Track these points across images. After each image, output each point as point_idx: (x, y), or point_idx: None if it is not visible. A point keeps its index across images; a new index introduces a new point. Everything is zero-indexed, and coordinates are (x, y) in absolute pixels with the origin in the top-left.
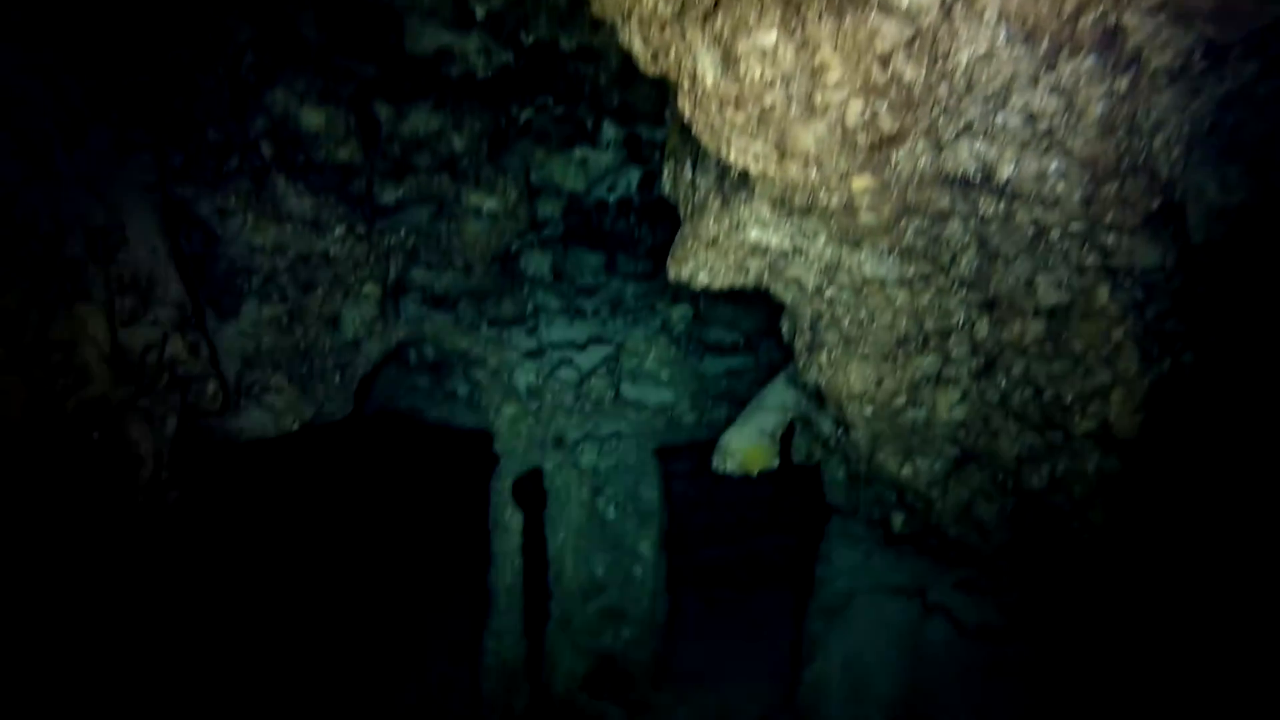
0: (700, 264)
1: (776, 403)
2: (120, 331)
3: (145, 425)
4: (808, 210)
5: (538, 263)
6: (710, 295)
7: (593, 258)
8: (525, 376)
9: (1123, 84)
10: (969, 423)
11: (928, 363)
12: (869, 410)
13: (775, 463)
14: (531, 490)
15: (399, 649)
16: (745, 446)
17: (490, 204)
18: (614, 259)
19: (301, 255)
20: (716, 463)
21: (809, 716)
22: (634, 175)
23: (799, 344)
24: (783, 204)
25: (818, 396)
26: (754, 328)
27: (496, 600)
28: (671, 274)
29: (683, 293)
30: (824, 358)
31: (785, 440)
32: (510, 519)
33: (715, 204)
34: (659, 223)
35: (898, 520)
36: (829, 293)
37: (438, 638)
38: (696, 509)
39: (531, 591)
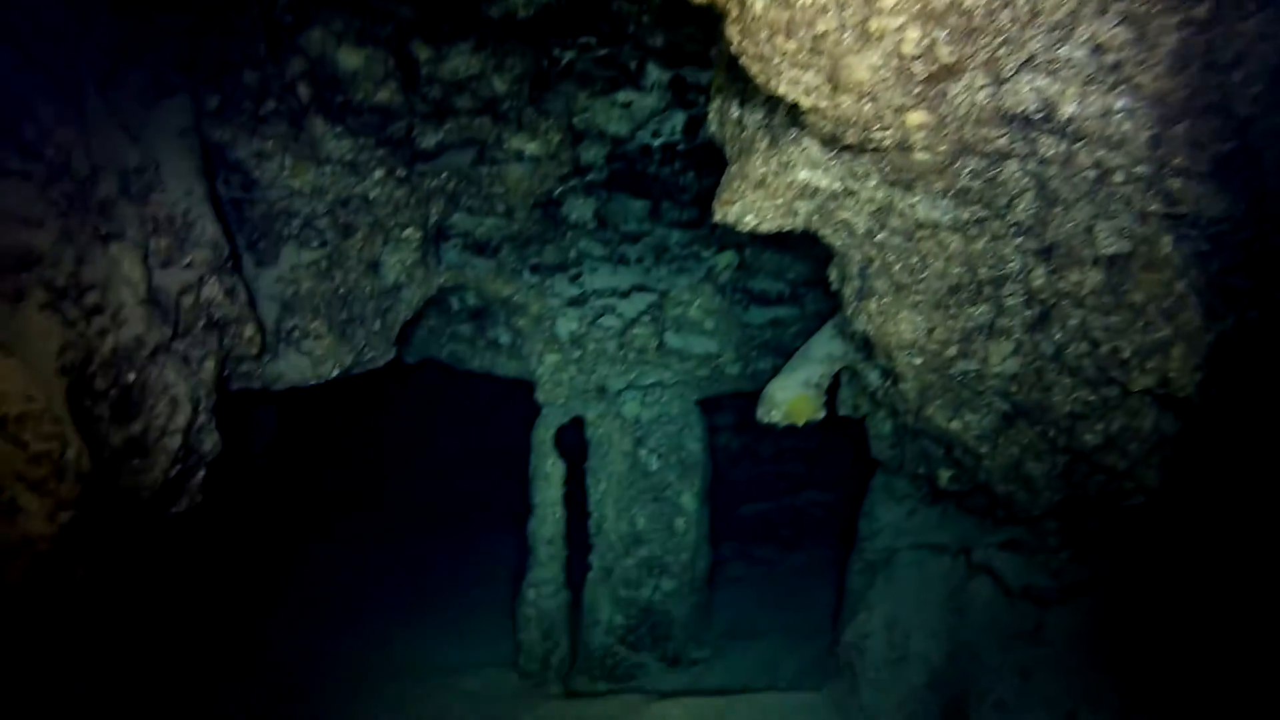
0: (747, 206)
1: (823, 353)
2: (156, 273)
3: (182, 368)
4: (860, 149)
5: (581, 209)
6: (757, 241)
7: (637, 204)
8: (568, 324)
9: (1201, 11)
10: (1021, 376)
11: (980, 312)
12: (918, 361)
13: (821, 414)
14: (573, 440)
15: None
16: (790, 397)
17: (532, 148)
18: (658, 206)
19: (340, 198)
20: (761, 414)
21: (848, 674)
22: (679, 119)
23: (847, 291)
24: (834, 142)
25: (866, 346)
26: (800, 277)
27: (536, 551)
28: (717, 216)
29: (728, 239)
30: (873, 305)
31: (831, 392)
32: (552, 469)
33: (763, 143)
34: (704, 169)
35: (944, 476)
36: (880, 237)
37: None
38: (738, 463)
39: (572, 543)
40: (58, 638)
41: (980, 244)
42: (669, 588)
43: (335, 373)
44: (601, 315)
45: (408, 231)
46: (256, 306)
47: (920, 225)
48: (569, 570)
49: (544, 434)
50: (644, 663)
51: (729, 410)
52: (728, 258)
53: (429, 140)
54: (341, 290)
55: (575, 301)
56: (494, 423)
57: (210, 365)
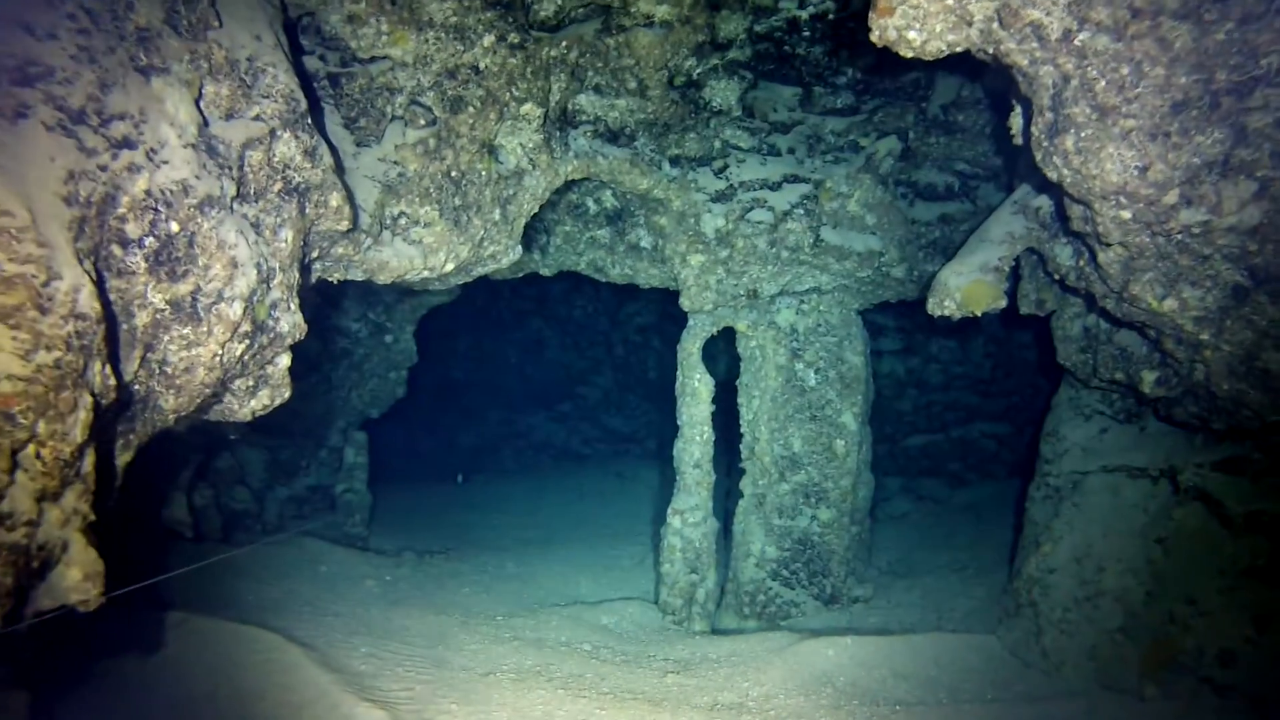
0: (910, 15)
1: (1002, 233)
2: (213, 121)
3: (249, 232)
4: None
5: (723, 93)
6: (922, 120)
7: (786, 91)
8: (713, 220)
9: None
10: (1265, 230)
11: (1213, 140)
12: (1127, 214)
13: (1002, 302)
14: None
15: None
16: (966, 283)
17: (662, 11)
18: (810, 92)
19: (447, 69)
20: (932, 305)
21: (1028, 614)
22: None
23: (1036, 130)
24: None
25: (1055, 219)
26: (971, 168)
27: (682, 475)
28: (874, 33)
29: (889, 123)
30: (1070, 142)
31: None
32: (699, 385)
33: None
34: (859, 48)
35: (1148, 379)
36: (1080, 39)
37: None
38: (903, 392)
39: (721, 466)
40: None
41: (1220, 32)
42: (827, 517)
43: (450, 266)
44: (750, 210)
45: (526, 108)
46: (344, 176)
47: (1136, 12)
48: (715, 498)
49: (691, 346)
50: (799, 600)
51: (893, 334)
52: (889, 144)
53: (546, 7)
54: (454, 173)
55: (721, 196)
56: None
57: (288, 235)
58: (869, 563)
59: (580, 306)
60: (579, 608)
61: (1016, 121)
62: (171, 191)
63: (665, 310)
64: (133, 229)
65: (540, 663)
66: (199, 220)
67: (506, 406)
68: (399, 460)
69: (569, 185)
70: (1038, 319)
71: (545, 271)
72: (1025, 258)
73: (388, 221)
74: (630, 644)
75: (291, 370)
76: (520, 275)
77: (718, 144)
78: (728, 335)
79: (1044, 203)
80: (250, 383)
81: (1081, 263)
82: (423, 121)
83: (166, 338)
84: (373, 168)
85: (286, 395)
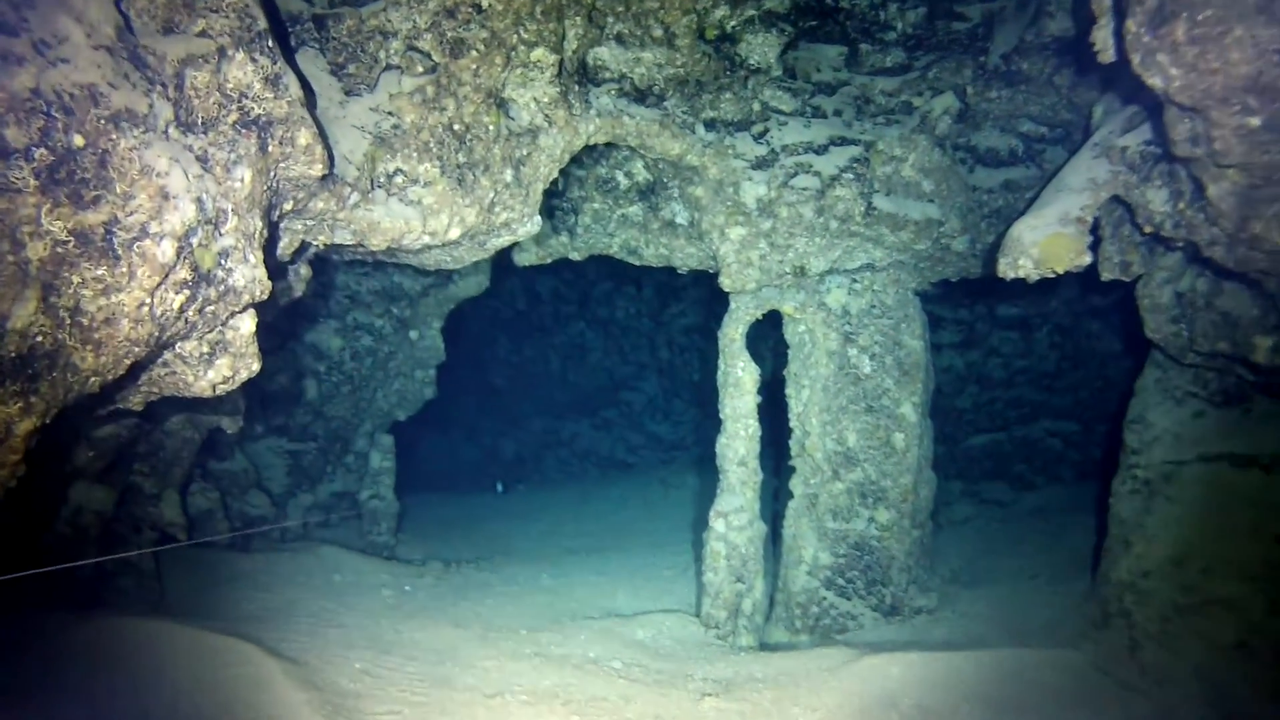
0: None
1: (1082, 180)
2: (144, 31)
3: (189, 163)
4: None
5: (761, 49)
6: (982, 74)
7: (830, 50)
8: (754, 189)
9: None
10: None
11: None
12: (1257, 120)
13: (1085, 258)
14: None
15: None
16: (1044, 237)
17: None
18: (856, 50)
19: (445, 7)
20: (1005, 265)
21: (1119, 625)
22: None
23: (1134, 26)
24: None
25: (1157, 136)
26: (1036, 127)
27: (726, 474)
28: None
29: (945, 79)
30: (1182, 30)
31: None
32: (743, 374)
33: None
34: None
35: (1263, 346)
36: None
37: None
38: (963, 388)
39: (769, 464)
40: None
41: None
42: (886, 519)
43: (454, 231)
44: (794, 176)
45: (537, 53)
46: (317, 113)
47: None
48: (763, 498)
49: (733, 331)
50: (855, 611)
51: (951, 327)
52: (945, 101)
53: None
54: (456, 125)
55: (762, 162)
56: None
57: (245, 174)
58: (932, 570)
59: (623, 308)
60: (613, 620)
61: (1102, 33)
62: (73, 96)
63: (711, 310)
64: (14, 135)
65: (559, 683)
66: (113, 137)
67: (549, 414)
68: (438, 469)
69: (597, 159)
70: (1108, 298)
71: (575, 255)
72: (1107, 213)
73: (381, 179)
74: (666, 661)
75: (273, 341)
76: (549, 261)
77: (756, 106)
78: (774, 321)
79: (1132, 141)
80: (204, 348)
81: (1181, 205)
82: (420, 68)
83: (76, 279)
84: (363, 117)
85: (255, 367)
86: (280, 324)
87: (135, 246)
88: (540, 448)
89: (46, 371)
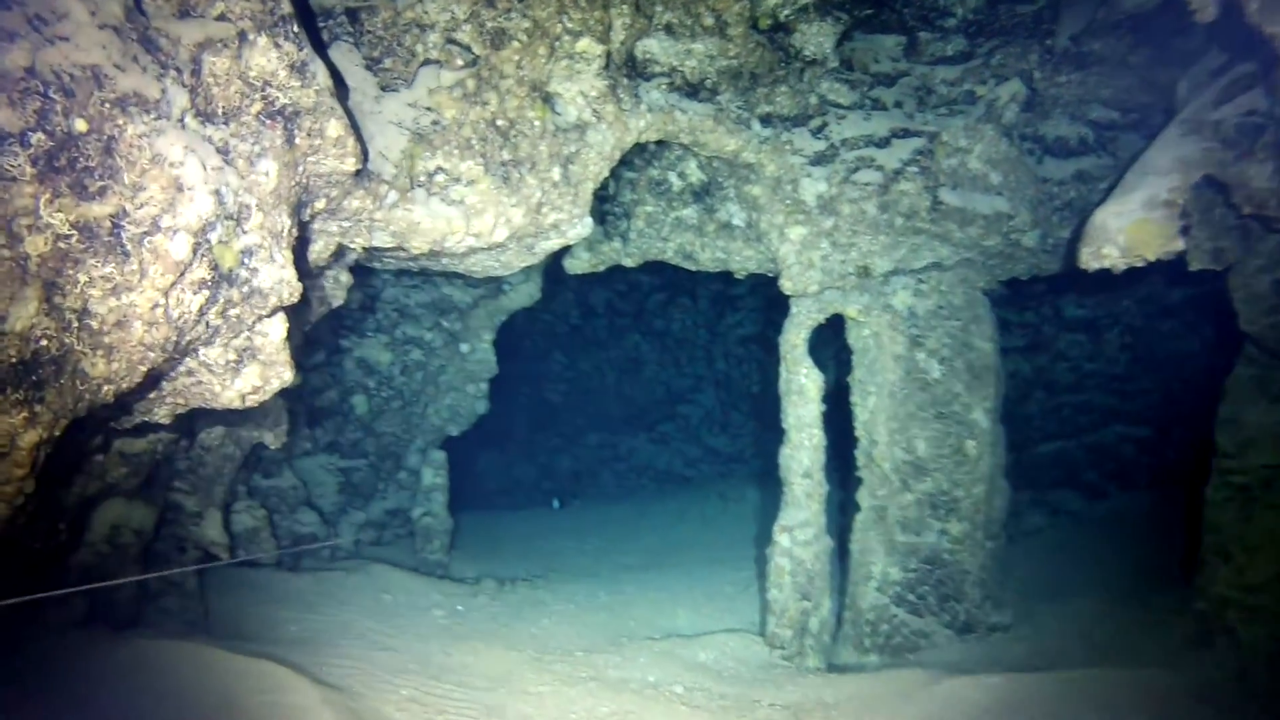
0: None
1: (1169, 160)
2: (156, 13)
3: (208, 155)
4: None
5: (817, 38)
6: (1050, 58)
7: (888, 40)
8: (814, 185)
9: None
10: None
11: None
12: None
13: (1179, 243)
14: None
15: None
16: (1130, 223)
17: None
18: (915, 39)
19: None
20: (1087, 255)
21: (1222, 644)
22: None
23: None
24: None
25: (1247, 132)
26: (1108, 113)
27: (790, 486)
28: None
29: (1009, 65)
30: None
31: None
32: (806, 381)
33: None
34: None
35: None
36: None
37: None
38: (1030, 394)
39: (834, 476)
40: None
41: None
42: (959, 531)
43: (501, 234)
44: (856, 170)
45: (582, 44)
46: (348, 104)
47: None
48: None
49: (795, 336)
50: (928, 629)
51: (1015, 330)
52: (1011, 88)
53: None
54: (499, 121)
55: (821, 157)
56: None
57: (271, 168)
58: (1006, 584)
59: (678, 319)
60: (673, 641)
61: None
62: (73, 77)
63: (769, 319)
64: (7, 117)
65: (617, 710)
66: (120, 122)
67: (605, 428)
68: (495, 486)
69: (648, 160)
70: (1182, 294)
71: (628, 261)
72: (1195, 197)
73: (421, 178)
74: (730, 685)
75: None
76: (601, 269)
77: (813, 99)
78: (835, 327)
79: (1229, 113)
80: (230, 355)
81: None
82: (460, 62)
83: (82, 277)
84: (400, 113)
85: (288, 377)
86: (325, 336)
87: (146, 242)
88: (596, 462)
89: (53, 379)
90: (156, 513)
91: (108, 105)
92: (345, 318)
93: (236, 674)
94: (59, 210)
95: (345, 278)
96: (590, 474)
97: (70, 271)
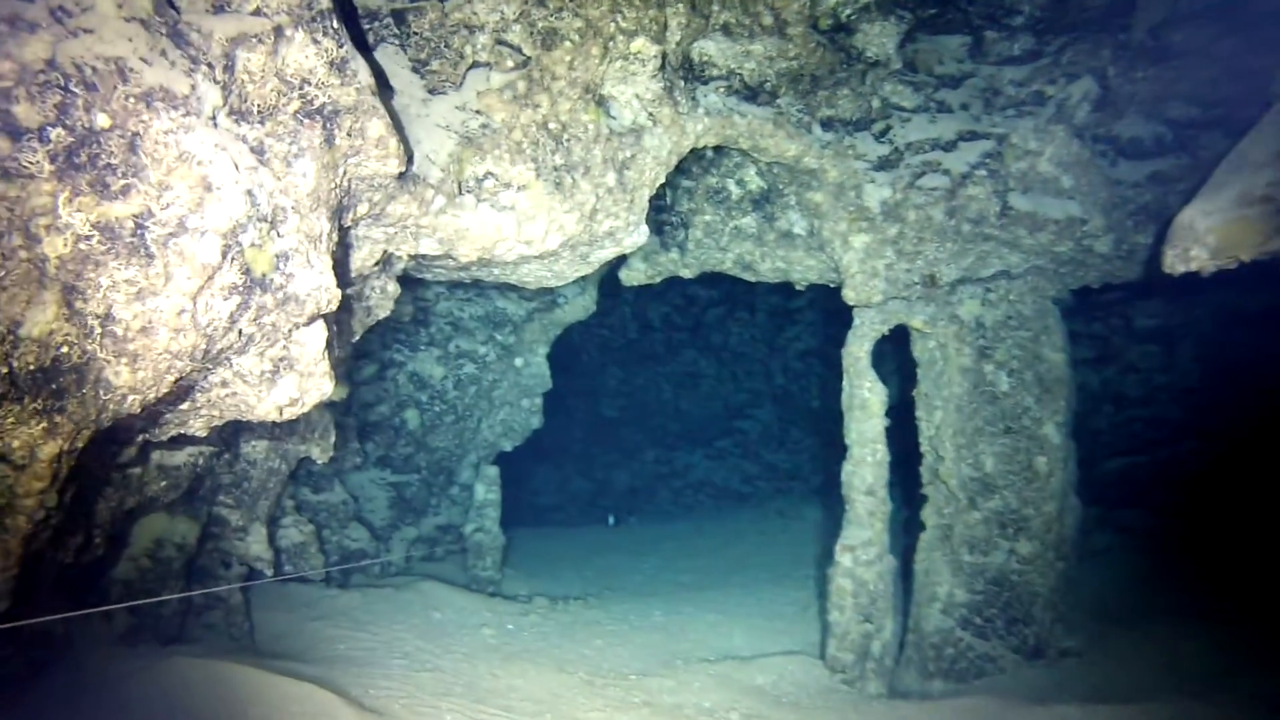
0: None
1: (1266, 152)
2: (189, 8)
3: (240, 155)
4: None
5: (879, 39)
6: (1123, 55)
7: (952, 41)
8: (878, 191)
9: None
10: None
11: None
12: None
13: (1275, 243)
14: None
15: None
16: (1221, 222)
17: None
18: (980, 39)
19: None
20: (1173, 257)
21: None
22: None
23: None
24: None
25: None
26: (1187, 110)
27: (852, 504)
28: None
29: (1080, 63)
30: None
31: None
32: (870, 395)
33: None
34: None
35: None
36: None
37: None
38: (1099, 408)
39: (898, 494)
40: None
41: None
42: (1028, 551)
43: (553, 241)
44: (922, 175)
45: (637, 44)
46: (389, 103)
47: None
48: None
49: (858, 349)
50: (995, 654)
51: (1083, 341)
52: (1083, 86)
53: None
54: (551, 124)
55: (885, 162)
56: None
57: (309, 169)
58: (1077, 607)
59: (736, 333)
60: (730, 664)
61: None
62: (95, 70)
63: (827, 333)
64: (25, 112)
65: None
66: (145, 118)
67: (662, 444)
68: (551, 503)
69: (706, 167)
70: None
71: (686, 272)
72: None
73: (470, 183)
74: (789, 711)
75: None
76: (658, 281)
77: (876, 102)
78: (897, 340)
79: None
80: (265, 365)
81: None
82: (510, 63)
83: (105, 281)
84: (448, 116)
85: (327, 388)
86: (375, 349)
87: (172, 243)
88: (653, 479)
89: (74, 388)
90: (199, 527)
91: (132, 100)
92: (398, 331)
93: (276, 697)
94: (79, 210)
95: (392, 288)
96: (647, 490)
97: (91, 275)
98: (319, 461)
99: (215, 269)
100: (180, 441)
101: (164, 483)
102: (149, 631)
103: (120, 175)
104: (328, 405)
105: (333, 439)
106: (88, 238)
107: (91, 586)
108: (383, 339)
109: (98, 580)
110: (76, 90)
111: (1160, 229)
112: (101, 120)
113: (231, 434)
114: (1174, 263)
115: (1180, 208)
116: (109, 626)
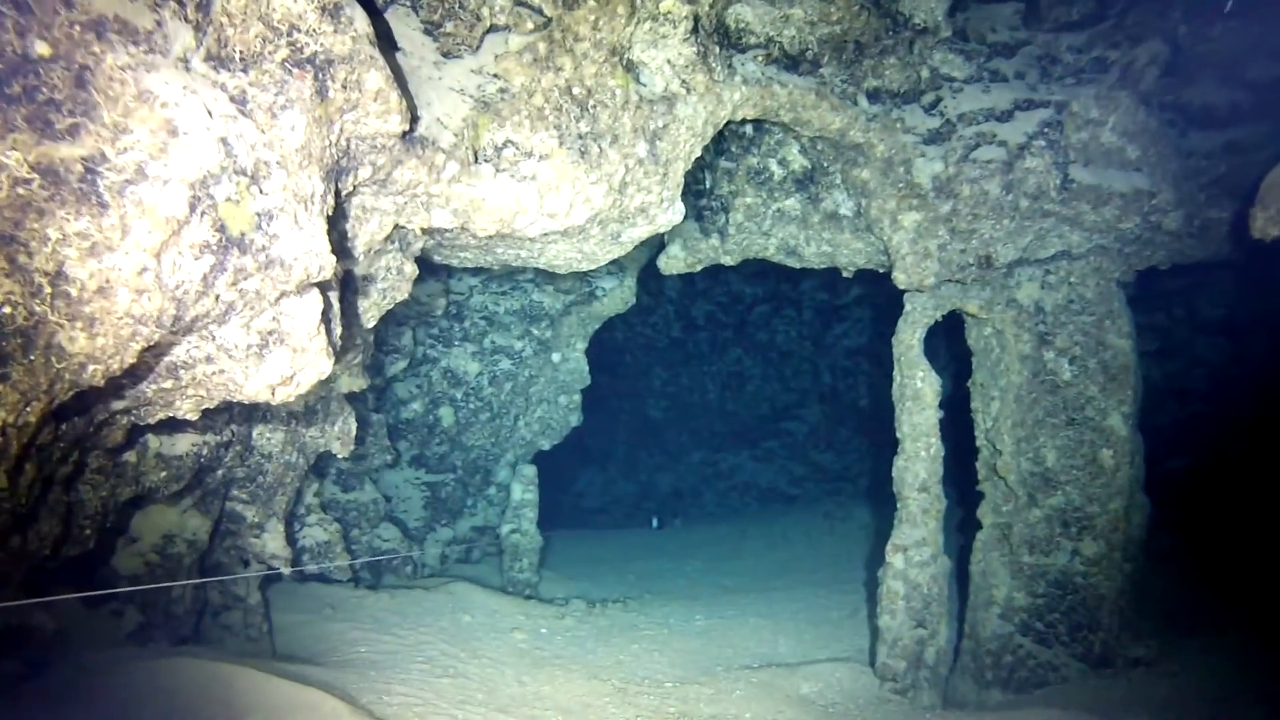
0: None
1: None
2: None
3: (214, 101)
4: None
5: (927, 4)
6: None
7: (1005, 9)
8: (929, 166)
9: None
10: None
11: None
12: None
13: None
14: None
15: None
16: None
17: None
18: (1035, 5)
19: None
20: (1263, 221)
21: None
22: None
23: None
24: None
25: None
26: (1270, 70)
27: (905, 502)
28: None
29: (1147, 24)
30: None
31: None
32: (923, 385)
33: None
34: None
35: None
36: None
37: None
38: (1163, 404)
39: (952, 491)
40: None
41: None
42: (1093, 552)
43: (580, 215)
44: (976, 147)
45: (667, 3)
46: (392, 59)
47: None
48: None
49: (910, 336)
50: (1058, 661)
51: (1147, 333)
52: (1150, 49)
53: None
54: (575, 89)
55: (936, 135)
56: None
57: (297, 121)
58: (1146, 612)
59: (782, 331)
60: (773, 671)
61: None
62: None
63: (876, 330)
64: None
65: None
66: (95, 50)
67: (708, 445)
68: (595, 505)
69: (746, 146)
70: None
71: (727, 259)
72: None
73: (488, 152)
74: None
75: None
76: (698, 269)
77: (925, 72)
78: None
79: None
80: (251, 338)
81: None
82: (530, 24)
83: (53, 232)
84: (462, 80)
85: (325, 367)
86: (407, 345)
87: (129, 191)
88: (698, 481)
89: (20, 353)
90: (211, 523)
91: (78, 28)
92: (430, 326)
93: (277, 702)
94: (13, 147)
95: (410, 268)
96: (692, 492)
97: (34, 225)
98: (339, 455)
99: (182, 223)
100: (179, 428)
101: (164, 473)
102: (160, 630)
103: (66, 113)
104: (350, 397)
105: (354, 432)
106: (26, 181)
107: (84, 581)
108: (415, 334)
109: (90, 575)
110: (4, 9)
111: (1238, 205)
112: (40, 48)
113: (242, 423)
114: (1265, 226)
115: (1257, 177)
116: (118, 624)
